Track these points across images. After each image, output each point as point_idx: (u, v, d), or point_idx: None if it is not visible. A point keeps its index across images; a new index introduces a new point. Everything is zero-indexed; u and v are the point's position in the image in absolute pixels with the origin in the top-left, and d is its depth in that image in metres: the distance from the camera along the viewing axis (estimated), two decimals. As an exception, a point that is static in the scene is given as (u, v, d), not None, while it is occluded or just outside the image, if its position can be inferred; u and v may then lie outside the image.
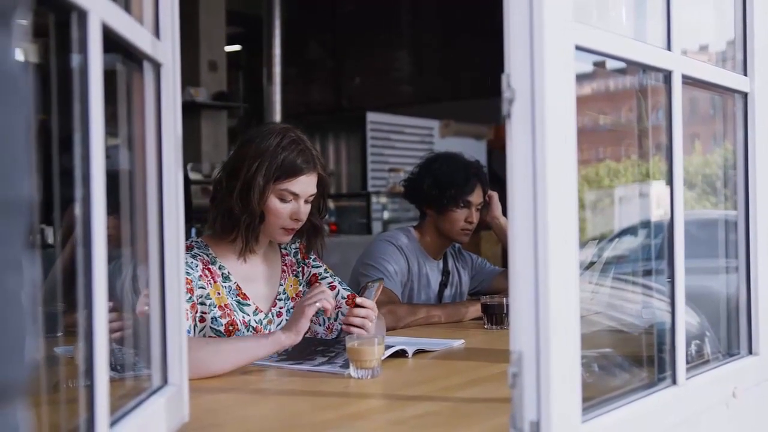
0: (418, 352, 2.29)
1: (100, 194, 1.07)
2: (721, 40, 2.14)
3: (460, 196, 3.11)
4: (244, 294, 2.33)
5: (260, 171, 2.23)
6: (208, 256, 2.30)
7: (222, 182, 2.30)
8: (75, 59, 1.06)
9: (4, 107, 0.56)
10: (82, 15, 1.04)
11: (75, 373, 1.44)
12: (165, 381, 1.45)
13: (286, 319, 2.38)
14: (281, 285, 2.44)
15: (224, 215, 2.29)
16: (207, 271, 2.26)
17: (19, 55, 0.60)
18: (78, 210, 1.07)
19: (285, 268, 2.47)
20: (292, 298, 2.45)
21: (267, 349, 2.06)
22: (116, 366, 1.44)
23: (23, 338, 0.59)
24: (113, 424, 1.15)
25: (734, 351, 1.93)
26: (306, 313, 2.08)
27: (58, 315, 1.51)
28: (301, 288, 2.48)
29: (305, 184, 2.29)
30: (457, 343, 2.46)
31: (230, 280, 2.32)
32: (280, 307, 2.42)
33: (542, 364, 1.22)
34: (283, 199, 2.28)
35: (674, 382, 1.59)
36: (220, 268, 2.31)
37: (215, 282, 2.27)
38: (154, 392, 1.40)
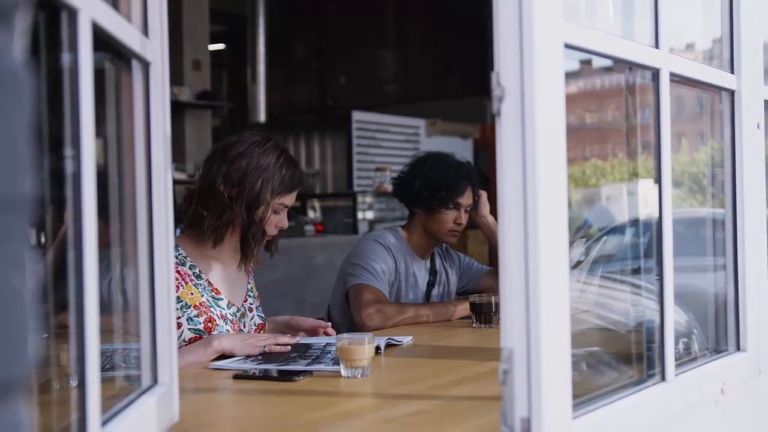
0: (389, 345, 2.37)
1: (91, 194, 1.06)
2: (708, 38, 2.15)
3: (450, 198, 3.11)
4: (216, 289, 2.43)
5: (266, 188, 2.36)
6: (177, 257, 2.33)
7: (221, 192, 2.34)
8: (65, 58, 1.06)
9: (7, 105, 0.56)
10: (73, 13, 1.03)
11: (61, 374, 1.44)
12: (155, 381, 1.44)
13: (257, 315, 2.56)
14: (249, 284, 2.58)
15: (226, 225, 2.38)
16: (176, 273, 2.30)
17: (20, 54, 0.60)
18: (68, 211, 1.06)
19: (250, 269, 2.60)
20: (257, 296, 2.61)
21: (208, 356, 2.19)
22: (104, 365, 1.44)
23: (26, 335, 0.59)
24: (104, 423, 1.15)
25: (722, 348, 1.94)
26: (252, 351, 2.22)
27: (47, 316, 1.50)
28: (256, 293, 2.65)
29: (294, 197, 2.48)
30: (406, 340, 2.49)
31: (202, 278, 2.41)
32: (250, 303, 2.56)
33: (533, 360, 1.22)
34: (275, 212, 2.42)
35: (663, 378, 1.60)
36: (190, 268, 2.40)
37: (187, 283, 2.35)
38: (144, 392, 1.40)
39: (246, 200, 2.35)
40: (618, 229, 2.36)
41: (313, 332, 2.55)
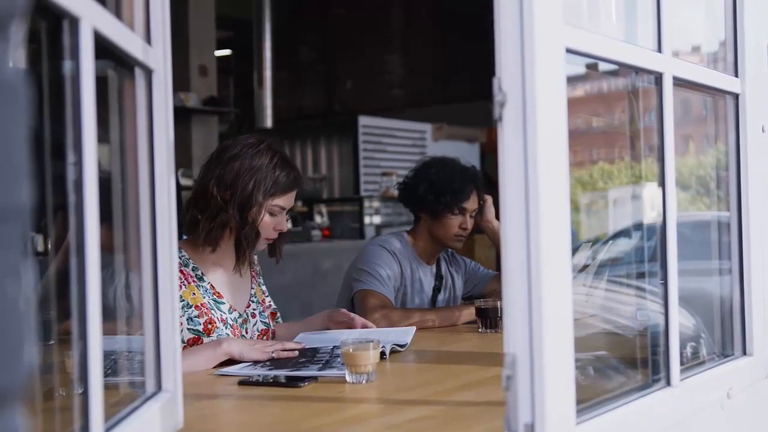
0: (394, 351, 2.35)
1: (93, 201, 1.06)
2: (713, 41, 2.14)
3: (456, 203, 3.10)
4: (219, 293, 2.43)
5: (258, 189, 2.36)
6: (180, 258, 2.34)
7: (214, 194, 2.35)
8: (66, 66, 1.06)
9: (3, 115, 0.57)
10: (74, 22, 1.04)
11: (66, 381, 1.44)
12: (159, 387, 1.44)
13: (260, 321, 2.54)
14: (252, 289, 2.57)
15: (221, 228, 2.38)
16: (180, 273, 2.31)
17: (16, 63, 0.61)
18: (71, 217, 1.06)
19: (253, 274, 2.61)
20: (261, 302, 2.59)
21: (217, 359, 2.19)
22: (107, 371, 1.44)
23: (22, 344, 0.59)
24: (107, 430, 1.15)
25: (728, 352, 1.93)
26: (261, 356, 2.20)
27: (51, 323, 1.50)
28: (264, 296, 2.63)
29: (292, 199, 2.47)
30: (410, 335, 2.51)
31: (205, 281, 2.41)
32: (253, 309, 2.55)
33: (536, 366, 1.22)
34: (272, 214, 2.42)
35: (668, 383, 1.59)
36: (193, 270, 2.41)
37: (189, 283, 2.37)
38: (149, 398, 1.40)
39: (239, 201, 2.35)
40: (625, 233, 2.35)
41: (350, 325, 2.57)
